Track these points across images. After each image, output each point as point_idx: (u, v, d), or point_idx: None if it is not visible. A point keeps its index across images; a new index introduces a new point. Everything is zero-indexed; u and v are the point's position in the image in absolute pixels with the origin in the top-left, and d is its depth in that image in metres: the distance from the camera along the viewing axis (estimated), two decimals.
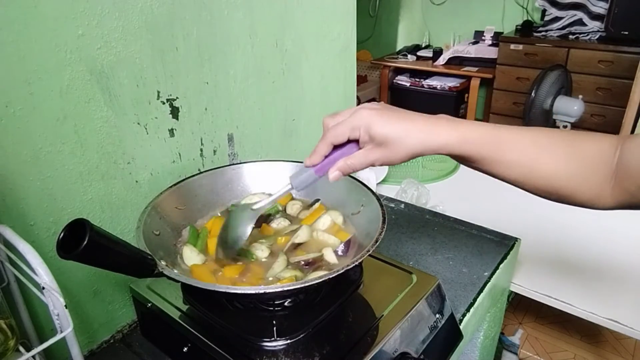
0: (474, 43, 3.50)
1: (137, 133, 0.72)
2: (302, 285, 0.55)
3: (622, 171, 0.49)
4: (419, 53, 3.71)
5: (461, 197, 1.37)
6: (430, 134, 0.53)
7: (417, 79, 3.54)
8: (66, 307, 0.51)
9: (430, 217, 1.12)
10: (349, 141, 0.56)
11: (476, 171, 0.58)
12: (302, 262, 0.66)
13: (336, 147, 0.57)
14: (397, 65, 3.64)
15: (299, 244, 0.70)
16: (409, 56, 3.67)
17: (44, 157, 0.62)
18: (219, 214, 0.77)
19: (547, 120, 2.81)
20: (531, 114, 2.80)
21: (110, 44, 0.65)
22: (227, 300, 0.66)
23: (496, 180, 0.57)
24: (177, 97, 0.76)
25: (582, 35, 2.95)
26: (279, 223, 0.75)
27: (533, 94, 2.69)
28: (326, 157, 0.57)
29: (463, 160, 0.55)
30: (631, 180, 0.48)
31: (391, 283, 0.73)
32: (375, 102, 0.57)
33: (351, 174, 0.59)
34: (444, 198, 1.32)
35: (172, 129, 0.77)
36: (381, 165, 0.55)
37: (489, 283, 0.90)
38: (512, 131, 0.54)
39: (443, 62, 3.47)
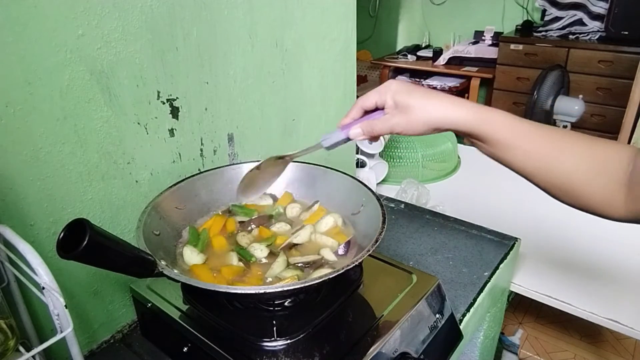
0: (474, 43, 3.50)
1: (137, 133, 0.72)
2: (302, 285, 0.55)
3: (635, 181, 0.49)
4: (419, 53, 3.70)
5: (461, 197, 1.37)
6: (451, 108, 0.55)
7: (417, 79, 3.54)
8: (66, 307, 0.51)
9: (430, 217, 1.12)
10: (377, 109, 0.61)
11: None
12: (301, 264, 0.66)
13: (367, 114, 0.62)
14: (397, 65, 3.64)
15: (296, 244, 0.70)
16: (409, 56, 3.67)
17: (44, 157, 0.62)
18: (220, 212, 0.77)
19: (548, 120, 2.81)
20: (533, 115, 2.81)
21: (110, 44, 0.65)
22: (227, 300, 0.66)
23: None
24: (177, 97, 0.76)
25: (582, 35, 2.95)
26: (279, 227, 0.74)
27: (535, 95, 2.70)
28: (356, 121, 0.62)
29: (480, 140, 0.56)
30: None
31: (391, 283, 0.73)
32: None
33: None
34: (444, 198, 1.32)
35: (172, 129, 0.77)
36: (400, 132, 0.58)
37: (489, 283, 0.90)
38: (531, 123, 0.55)
39: (443, 62, 3.47)
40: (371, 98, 0.60)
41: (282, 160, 0.67)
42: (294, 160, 0.68)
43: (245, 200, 0.75)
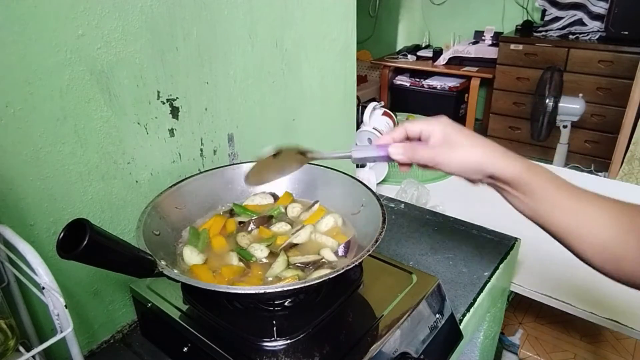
0: (474, 43, 3.50)
1: (137, 133, 0.72)
2: (302, 285, 0.55)
3: None
4: (419, 53, 3.71)
5: (461, 197, 1.37)
6: (502, 158, 0.54)
7: (417, 79, 3.54)
8: (66, 307, 0.51)
9: (430, 217, 1.12)
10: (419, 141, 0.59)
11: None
12: (301, 264, 0.66)
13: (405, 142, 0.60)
14: (397, 65, 3.64)
15: (296, 244, 0.70)
16: (409, 56, 3.67)
17: (44, 157, 0.62)
18: (220, 213, 0.77)
19: (549, 120, 2.82)
20: (536, 115, 2.82)
21: (110, 44, 0.65)
22: (227, 300, 0.66)
23: None
24: (177, 97, 0.76)
25: (582, 35, 2.95)
26: (279, 227, 0.74)
27: (545, 97, 2.72)
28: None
29: (521, 192, 0.54)
30: None
31: (391, 283, 0.73)
32: None
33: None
34: (444, 198, 1.32)
35: (172, 129, 0.77)
36: (439, 164, 0.57)
37: (489, 283, 0.90)
38: (565, 180, 0.54)
39: (443, 62, 3.47)
40: (417, 125, 0.58)
41: (301, 157, 0.62)
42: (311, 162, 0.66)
43: (251, 188, 0.71)
